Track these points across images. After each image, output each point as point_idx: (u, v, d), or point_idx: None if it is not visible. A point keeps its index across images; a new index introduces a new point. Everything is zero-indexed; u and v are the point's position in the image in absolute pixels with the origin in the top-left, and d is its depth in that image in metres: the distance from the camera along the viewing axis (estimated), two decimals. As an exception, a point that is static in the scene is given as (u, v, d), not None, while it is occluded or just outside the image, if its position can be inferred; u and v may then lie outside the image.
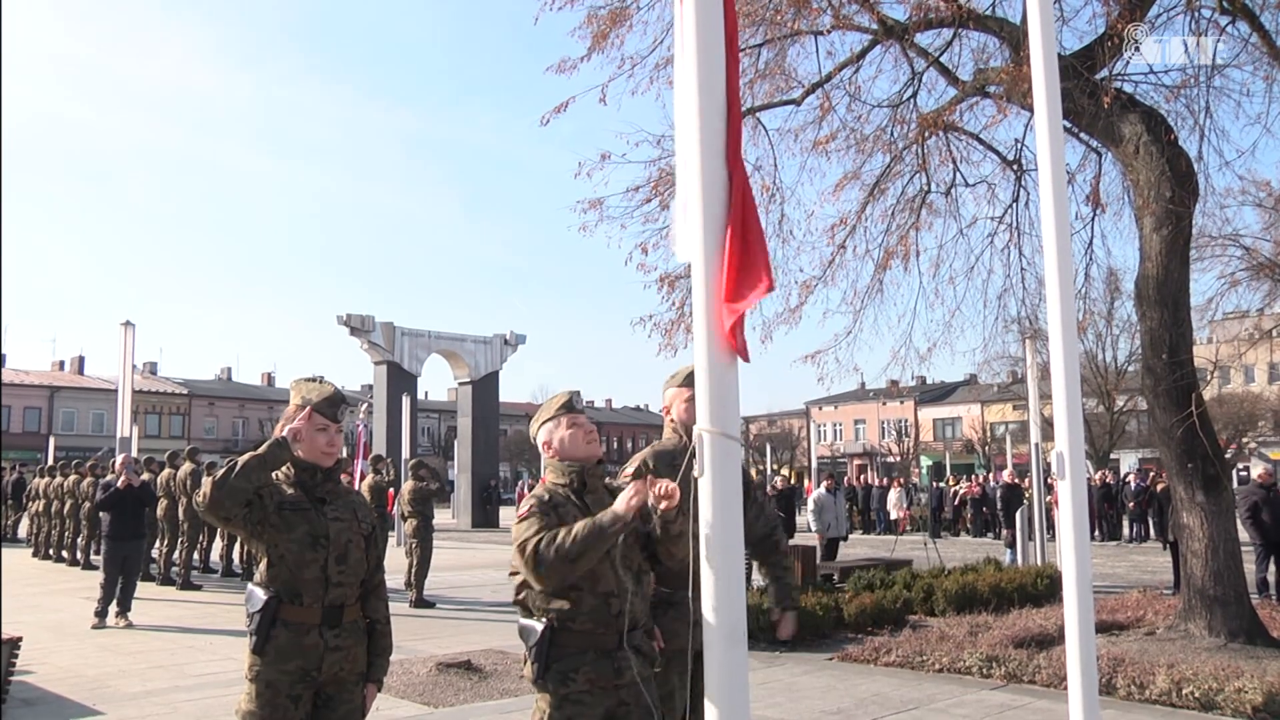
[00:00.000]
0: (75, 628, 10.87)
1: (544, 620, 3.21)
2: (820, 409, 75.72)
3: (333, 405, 3.61)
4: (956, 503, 29.74)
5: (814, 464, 46.83)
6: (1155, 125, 9.47)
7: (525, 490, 37.35)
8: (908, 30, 10.52)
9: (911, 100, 11.39)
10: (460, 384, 36.84)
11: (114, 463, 12.51)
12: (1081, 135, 10.83)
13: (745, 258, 2.32)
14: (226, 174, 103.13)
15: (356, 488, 13.82)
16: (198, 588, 14.51)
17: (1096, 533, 25.05)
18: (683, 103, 2.48)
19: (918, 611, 11.03)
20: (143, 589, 12.31)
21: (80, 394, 61.73)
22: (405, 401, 28.70)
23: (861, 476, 41.27)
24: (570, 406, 3.48)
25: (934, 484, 32.48)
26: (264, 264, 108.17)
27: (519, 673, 7.95)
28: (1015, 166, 11.57)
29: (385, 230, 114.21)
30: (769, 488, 19.77)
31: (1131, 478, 26.73)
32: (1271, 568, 12.35)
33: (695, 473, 2.25)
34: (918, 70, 11.25)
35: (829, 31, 10.90)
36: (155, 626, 11.04)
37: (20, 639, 7.32)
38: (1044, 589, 11.92)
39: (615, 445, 77.16)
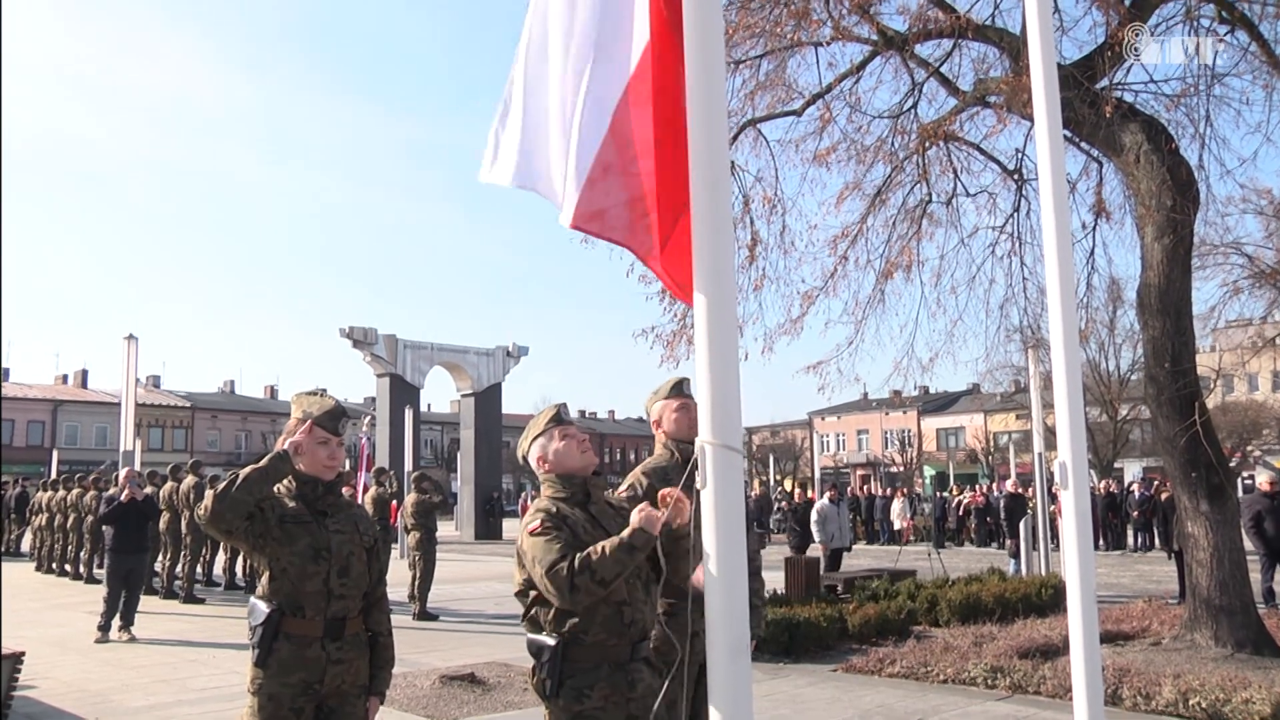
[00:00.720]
0: (78, 642, 10.86)
1: (555, 635, 3.14)
2: (823, 419, 75.65)
3: (334, 419, 3.61)
4: (960, 513, 29.69)
5: (817, 474, 46.81)
6: (1156, 134, 9.48)
7: (528, 502, 37.34)
8: (907, 41, 10.55)
9: (912, 111, 11.43)
10: (463, 396, 36.84)
11: (117, 476, 12.52)
12: (1082, 145, 10.85)
13: (673, 195, 2.34)
14: (228, 182, 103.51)
15: (360, 500, 13.83)
16: (200, 601, 14.50)
17: (1101, 542, 24.99)
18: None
19: (922, 622, 11.00)
20: (146, 603, 12.30)
21: (83, 407, 61.78)
22: (408, 414, 28.71)
23: (865, 487, 41.19)
24: (559, 418, 3.41)
25: (937, 494, 32.40)
26: (266, 274, 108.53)
27: (523, 685, 7.96)
28: (1016, 176, 11.59)
29: (387, 239, 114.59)
30: (784, 502, 19.69)
31: (1136, 487, 26.67)
32: (1278, 577, 12.31)
33: (697, 485, 2.25)
34: (918, 81, 11.28)
35: (829, 43, 10.94)
36: (158, 640, 11.03)
37: (23, 654, 7.32)
38: (1048, 599, 11.88)
39: (618, 456, 77.11)
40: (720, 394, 2.24)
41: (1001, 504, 22.42)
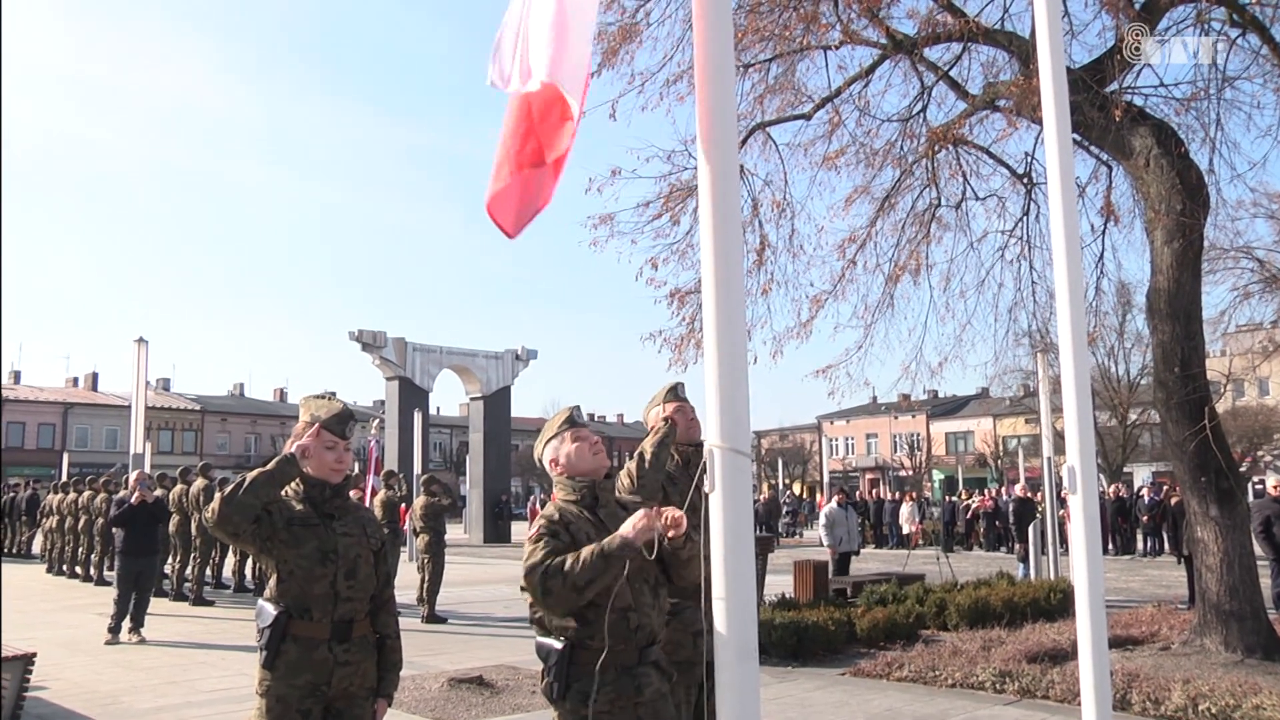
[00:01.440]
0: (89, 644, 10.89)
1: (563, 639, 3.17)
2: (832, 423, 75.52)
3: (341, 422, 3.63)
4: (969, 517, 29.61)
5: (825, 478, 46.73)
6: (1166, 138, 9.46)
7: (537, 506, 37.35)
8: (917, 45, 10.55)
9: (921, 114, 11.42)
10: (472, 399, 36.88)
11: (127, 479, 12.55)
12: (1092, 148, 10.83)
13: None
14: (236, 189, 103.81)
15: (369, 503, 13.85)
16: (210, 603, 14.53)
17: (1110, 547, 24.92)
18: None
19: (930, 626, 10.98)
20: (155, 605, 12.33)
21: (94, 410, 62.01)
22: (417, 417, 28.75)
23: (874, 491, 41.11)
24: (573, 421, 3.45)
25: (946, 498, 32.35)
26: (274, 278, 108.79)
27: (531, 688, 7.96)
28: (1025, 180, 11.57)
29: (395, 244, 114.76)
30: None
31: (1145, 491, 26.59)
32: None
33: (705, 489, 2.25)
34: (927, 84, 11.28)
35: (838, 46, 10.95)
36: (168, 642, 11.06)
37: (34, 655, 7.34)
38: (1057, 603, 11.85)
39: (627, 459, 76.77)
40: (729, 398, 2.25)
41: (1010, 508, 22.37)
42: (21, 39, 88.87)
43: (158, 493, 13.07)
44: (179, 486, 15.54)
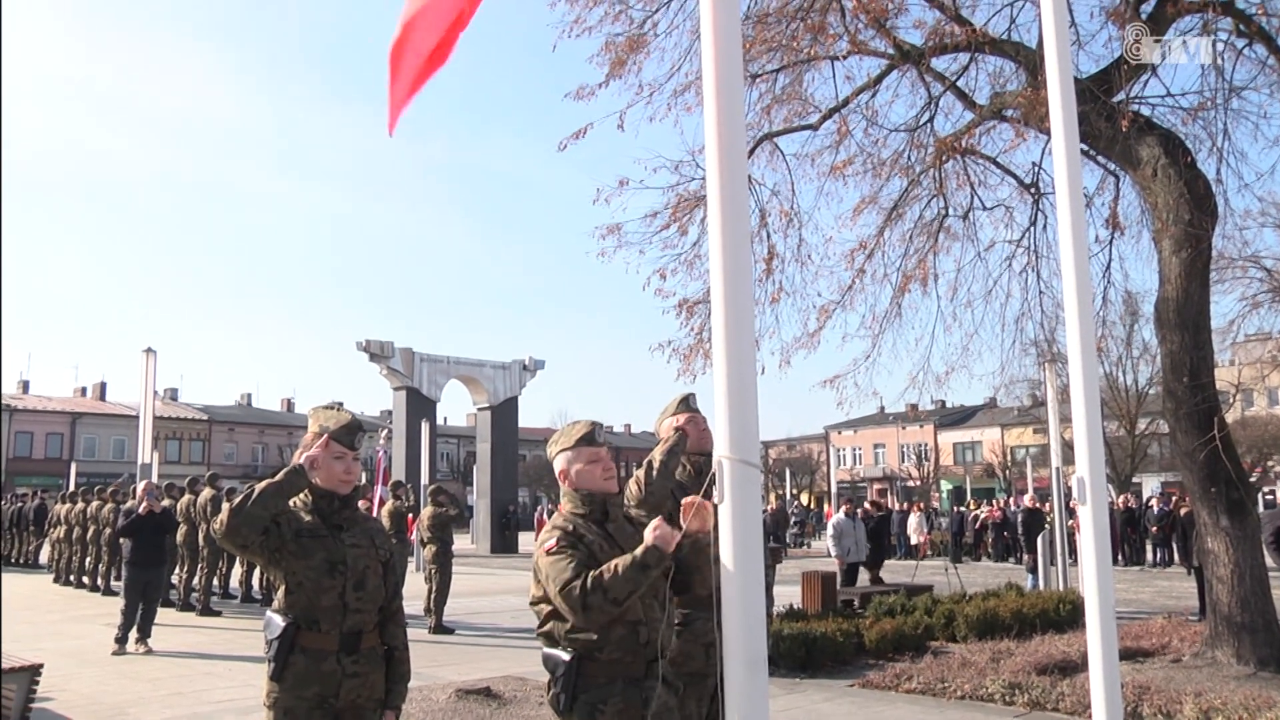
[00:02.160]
0: (95, 654, 10.90)
1: (570, 650, 3.16)
2: (840, 433, 75.44)
3: (350, 433, 3.62)
4: (977, 527, 29.53)
5: (833, 488, 46.66)
6: (1173, 148, 9.45)
7: (544, 516, 37.33)
8: (924, 55, 10.56)
9: (928, 124, 11.43)
10: (479, 409, 36.90)
11: (135, 489, 12.57)
12: (1099, 158, 10.82)
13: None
14: (245, 198, 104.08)
15: (376, 513, 13.85)
16: (217, 614, 14.54)
17: (1119, 557, 24.81)
18: None
19: (939, 638, 10.94)
20: (162, 615, 12.33)
21: (102, 420, 62.17)
22: (425, 427, 28.77)
23: (883, 499, 41.02)
24: (590, 439, 3.42)
25: (954, 508, 32.22)
26: (282, 287, 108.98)
27: (539, 699, 7.94)
28: (1033, 190, 11.56)
29: (403, 254, 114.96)
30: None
31: (1154, 501, 26.48)
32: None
33: (715, 500, 2.25)
34: (934, 94, 11.28)
35: (846, 57, 10.96)
36: (175, 653, 11.06)
37: (41, 666, 7.34)
38: (1066, 615, 11.80)
39: (634, 470, 76.72)
40: (738, 409, 2.24)
41: (1019, 519, 22.29)
42: (31, 45, 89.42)
43: (165, 503, 13.09)
44: (186, 496, 15.55)
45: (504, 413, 36.20)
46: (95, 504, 18.26)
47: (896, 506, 35.09)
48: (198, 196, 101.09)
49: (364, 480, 17.67)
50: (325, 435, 3.57)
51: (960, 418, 71.49)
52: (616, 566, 3.02)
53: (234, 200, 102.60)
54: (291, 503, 3.51)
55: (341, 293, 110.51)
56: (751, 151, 11.12)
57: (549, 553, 3.16)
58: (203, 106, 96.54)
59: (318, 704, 3.41)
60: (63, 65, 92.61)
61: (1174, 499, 24.33)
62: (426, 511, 13.70)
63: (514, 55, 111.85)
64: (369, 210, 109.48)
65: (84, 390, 66.73)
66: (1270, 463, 47.13)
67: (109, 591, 16.93)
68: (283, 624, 3.45)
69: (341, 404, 3.88)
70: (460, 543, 18.15)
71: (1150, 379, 36.72)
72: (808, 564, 19.38)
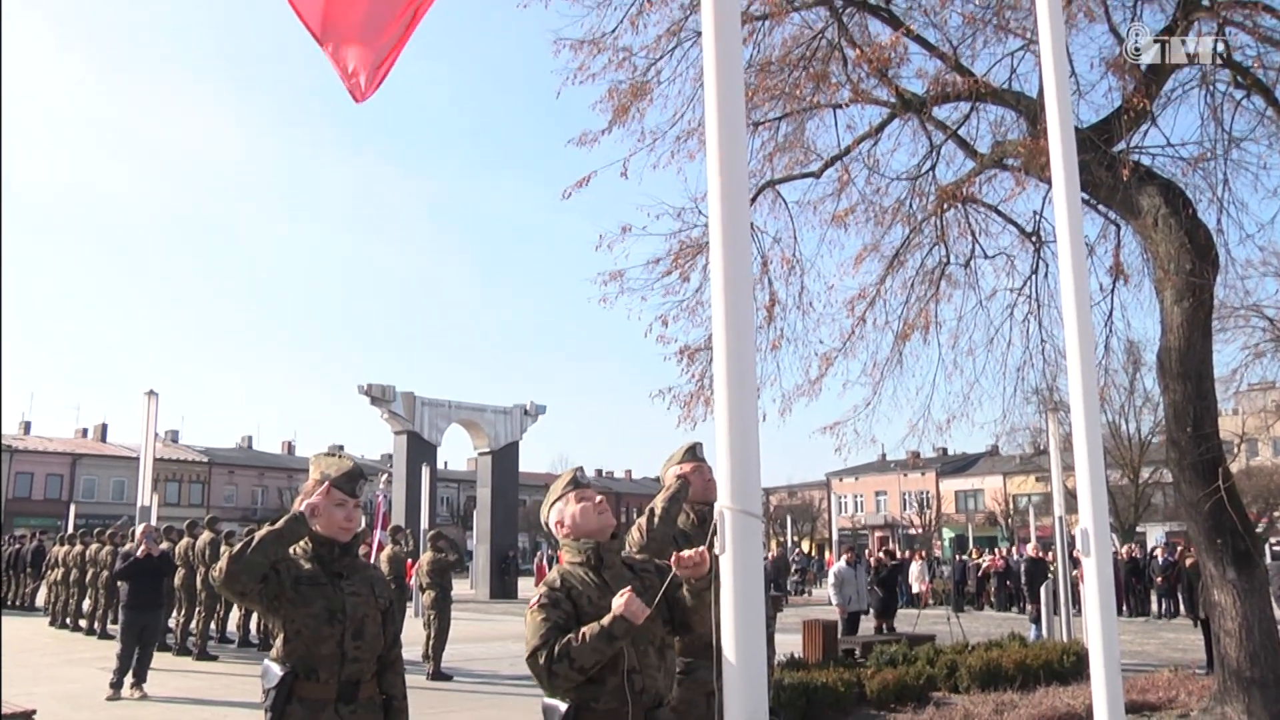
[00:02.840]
0: (90, 699, 10.78)
1: (567, 699, 3.15)
2: (841, 480, 75.15)
3: (351, 480, 3.61)
4: (980, 576, 29.31)
5: (835, 536, 46.40)
6: (1174, 198, 9.48)
7: (544, 563, 37.09)
8: (925, 104, 10.64)
9: (930, 173, 11.49)
10: (480, 454, 36.82)
11: (134, 531, 12.51)
12: (1100, 207, 10.86)
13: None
14: (248, 240, 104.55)
15: (375, 558, 13.77)
16: (214, 658, 14.40)
17: (1124, 608, 24.61)
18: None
19: (941, 688, 10.80)
20: (158, 659, 12.22)
21: (102, 461, 62.04)
22: (425, 471, 28.69)
23: (883, 549, 40.78)
24: (577, 482, 3.46)
25: (957, 557, 32.01)
26: (284, 330, 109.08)
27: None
28: (1034, 238, 11.59)
29: (406, 297, 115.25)
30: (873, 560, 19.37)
31: (1159, 552, 26.30)
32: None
33: (716, 550, 2.23)
34: (936, 143, 11.35)
35: (848, 105, 11.05)
36: (171, 698, 10.94)
37: (33, 712, 7.27)
38: (1071, 666, 11.66)
39: (635, 516, 76.38)
40: (740, 458, 2.23)
41: (1022, 568, 22.16)
42: (47, 84, 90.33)
43: (164, 546, 13.03)
44: (185, 540, 15.47)
45: (505, 457, 36.12)
46: (94, 546, 18.15)
47: (899, 555, 34.83)
48: (203, 238, 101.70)
49: (363, 525, 17.58)
50: (327, 482, 3.56)
51: (962, 465, 71.24)
52: (584, 635, 3.05)
53: (237, 241, 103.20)
54: (292, 550, 3.49)
55: (343, 335, 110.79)
56: (754, 199, 11.17)
57: (532, 609, 3.20)
58: (211, 147, 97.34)
59: (315, 753, 3.36)
60: (77, 105, 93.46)
61: (1179, 549, 24.17)
62: (426, 557, 13.62)
63: (518, 101, 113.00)
64: (372, 252, 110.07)
65: (85, 431, 66.65)
66: (1277, 513, 46.86)
67: (105, 635, 16.79)
68: (280, 673, 3.42)
69: (342, 447, 3.87)
70: (459, 588, 18.03)
71: (1154, 427, 36.61)
72: (809, 612, 19.22)
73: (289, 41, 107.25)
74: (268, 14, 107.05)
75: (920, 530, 64.44)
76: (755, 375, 2.42)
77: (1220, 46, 9.70)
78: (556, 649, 3.05)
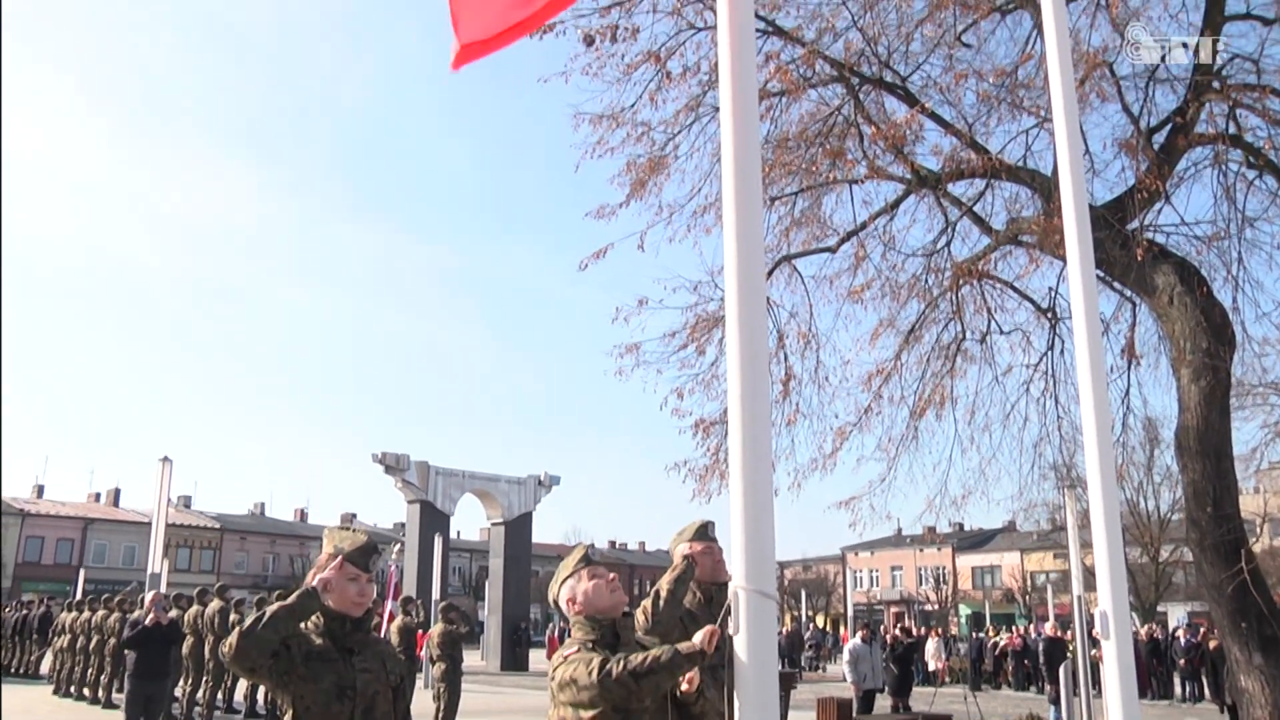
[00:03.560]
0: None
1: None
2: (856, 554, 74.34)
3: (365, 555, 3.60)
4: (997, 654, 28.81)
5: (850, 611, 45.77)
6: (1188, 276, 9.50)
7: (556, 635, 36.66)
8: (941, 180, 10.74)
9: (946, 249, 11.55)
10: (493, 524, 36.65)
11: (143, 598, 12.44)
12: (1115, 285, 10.88)
13: None
14: (264, 305, 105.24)
15: (386, 629, 13.65)
16: (219, 730, 14.21)
17: (1147, 691, 24.10)
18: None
19: (960, 772, 10.57)
20: (163, 730, 12.06)
21: (114, 527, 61.94)
22: (438, 541, 28.54)
23: (899, 625, 40.21)
24: (588, 560, 3.46)
25: (973, 634, 31.53)
26: (300, 396, 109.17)
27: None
28: (1050, 315, 11.60)
29: (421, 365, 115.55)
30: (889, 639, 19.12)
31: (1181, 633, 25.83)
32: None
33: (730, 630, 2.20)
34: (951, 219, 11.43)
35: (864, 181, 11.15)
36: (173, 770, 10.78)
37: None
38: (1093, 750, 11.41)
39: (648, 588, 75.65)
40: (754, 537, 2.21)
41: (1040, 647, 21.78)
42: (72, 151, 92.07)
43: (172, 614, 12.94)
44: (195, 607, 15.37)
45: (518, 528, 35.93)
46: (101, 613, 18.02)
47: (915, 631, 34.34)
48: (220, 303, 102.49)
49: (375, 594, 17.47)
50: (340, 557, 3.54)
51: (979, 541, 70.43)
52: (657, 650, 3.06)
53: (255, 307, 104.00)
54: (304, 625, 3.46)
55: (358, 402, 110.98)
56: (770, 273, 11.24)
57: (567, 658, 3.18)
58: (228, 213, 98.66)
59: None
60: (103, 169, 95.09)
61: (1202, 630, 23.74)
62: (436, 629, 13.49)
63: (537, 172, 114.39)
64: (388, 319, 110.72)
65: (98, 496, 66.64)
66: (1301, 594, 45.99)
67: (110, 705, 16.60)
68: (288, 748, 3.37)
69: (355, 515, 3.86)
70: (470, 659, 17.81)
71: (1173, 504, 36.22)
72: (823, 689, 18.90)
73: (309, 109, 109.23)
74: (289, 82, 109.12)
75: (936, 606, 63.53)
76: (771, 452, 2.41)
77: (1232, 127, 9.80)
78: (616, 658, 3.08)
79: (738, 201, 2.43)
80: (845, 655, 16.81)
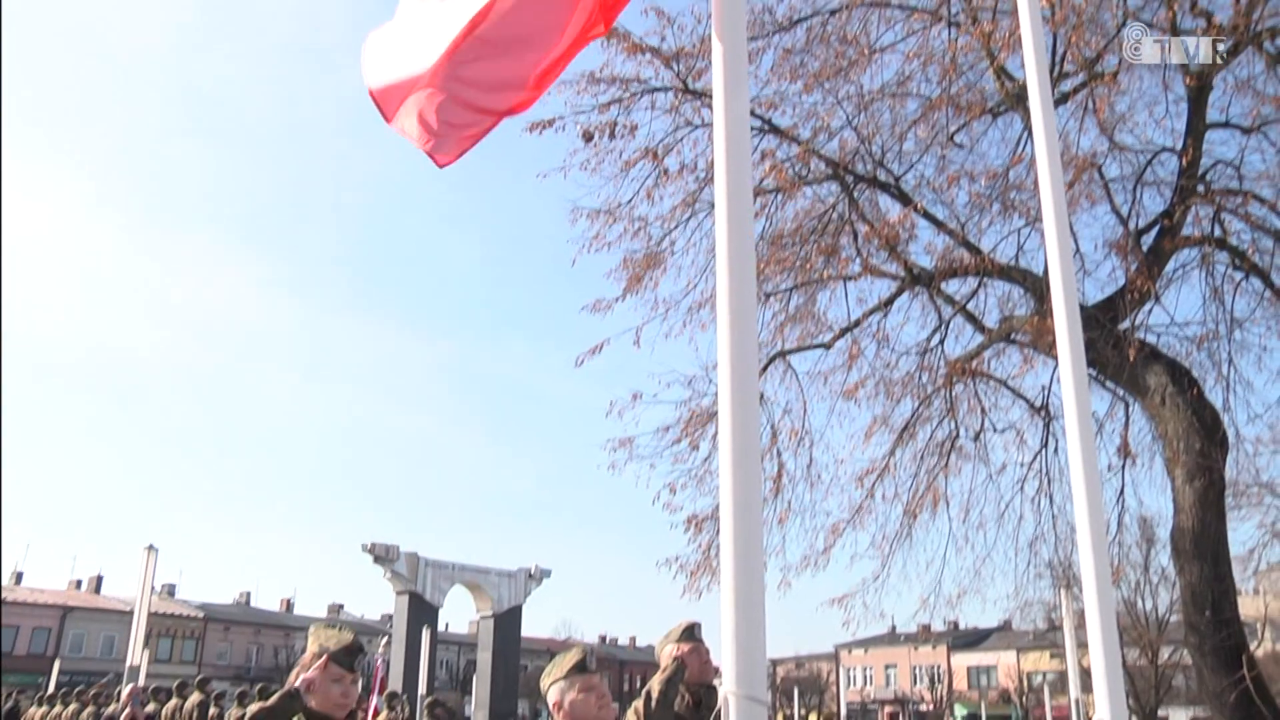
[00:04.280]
0: None
1: None
2: (850, 652, 73.16)
3: (350, 655, 3.52)
4: (995, 760, 28.18)
5: (843, 710, 44.87)
6: (1180, 377, 9.55)
7: (542, 732, 35.81)
8: (934, 278, 10.85)
9: (939, 346, 11.61)
10: (482, 617, 36.17)
11: (120, 691, 12.15)
12: (1108, 384, 10.92)
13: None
14: (259, 396, 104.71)
15: (368, 725, 13.32)
16: (193, 829, 13.75)
17: (1147, 799, 23.52)
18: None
19: None
20: (135, 829, 11.66)
21: (93, 615, 60.65)
22: (425, 634, 28.05)
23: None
24: (583, 667, 3.36)
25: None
26: (290, 486, 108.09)
27: None
28: (1043, 413, 11.62)
29: (413, 456, 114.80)
30: None
31: (1181, 739, 25.30)
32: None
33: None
34: (945, 317, 11.53)
35: (858, 278, 11.27)
36: None
37: None
38: None
39: (638, 684, 74.44)
40: (745, 641, 2.16)
41: (1039, 752, 21.27)
42: (83, 242, 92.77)
43: (150, 708, 12.62)
44: (174, 701, 15.00)
45: (507, 621, 35.43)
46: (74, 707, 17.50)
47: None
48: (214, 394, 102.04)
49: (360, 689, 17.12)
50: (325, 656, 3.46)
51: (974, 639, 69.39)
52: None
53: (250, 398, 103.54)
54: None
55: (349, 492, 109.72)
56: (764, 369, 11.28)
57: None
58: (232, 309, 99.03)
59: None
60: (98, 263, 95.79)
61: (1202, 736, 23.26)
62: (421, 725, 13.18)
63: (533, 267, 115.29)
64: (380, 411, 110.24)
65: (79, 583, 65.49)
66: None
67: (81, 801, 16.09)
68: None
69: (342, 605, 3.79)
70: (453, 759, 17.32)
71: (1170, 605, 35.75)
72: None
73: (314, 205, 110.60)
74: (293, 178, 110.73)
75: (931, 706, 62.31)
76: (762, 550, 2.38)
77: (1217, 230, 9.96)
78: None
79: (732, 297, 2.44)
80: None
